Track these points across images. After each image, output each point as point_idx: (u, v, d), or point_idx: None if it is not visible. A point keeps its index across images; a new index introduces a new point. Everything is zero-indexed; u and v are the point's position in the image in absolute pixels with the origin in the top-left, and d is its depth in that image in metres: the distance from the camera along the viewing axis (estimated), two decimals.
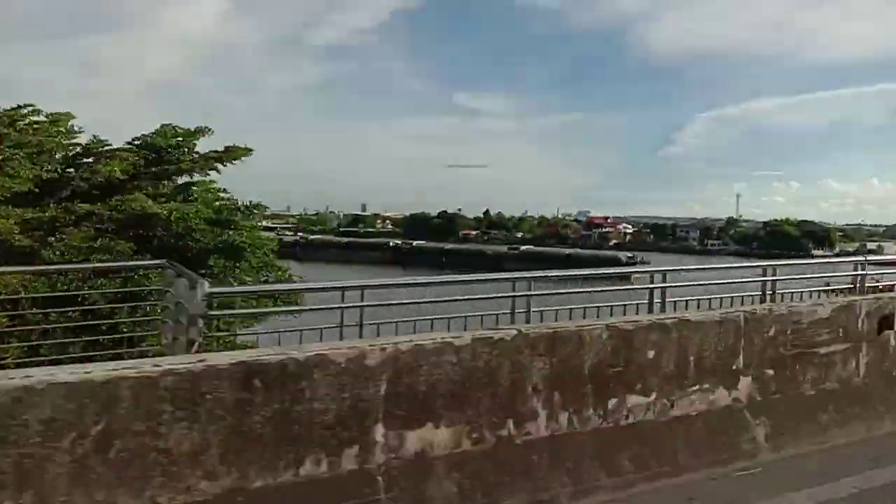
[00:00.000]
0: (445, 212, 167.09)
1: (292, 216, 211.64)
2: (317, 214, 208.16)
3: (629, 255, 77.96)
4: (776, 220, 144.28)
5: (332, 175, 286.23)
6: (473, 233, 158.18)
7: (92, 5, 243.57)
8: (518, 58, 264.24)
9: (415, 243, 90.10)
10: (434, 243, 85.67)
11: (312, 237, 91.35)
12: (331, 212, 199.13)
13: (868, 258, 11.00)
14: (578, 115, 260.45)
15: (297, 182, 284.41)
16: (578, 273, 9.09)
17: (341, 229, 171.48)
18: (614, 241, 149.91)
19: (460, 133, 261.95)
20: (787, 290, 9.12)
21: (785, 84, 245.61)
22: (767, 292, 8.70)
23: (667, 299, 7.71)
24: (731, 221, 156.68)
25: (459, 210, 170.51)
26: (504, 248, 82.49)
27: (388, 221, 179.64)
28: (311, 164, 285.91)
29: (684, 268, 10.71)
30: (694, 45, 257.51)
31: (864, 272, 10.10)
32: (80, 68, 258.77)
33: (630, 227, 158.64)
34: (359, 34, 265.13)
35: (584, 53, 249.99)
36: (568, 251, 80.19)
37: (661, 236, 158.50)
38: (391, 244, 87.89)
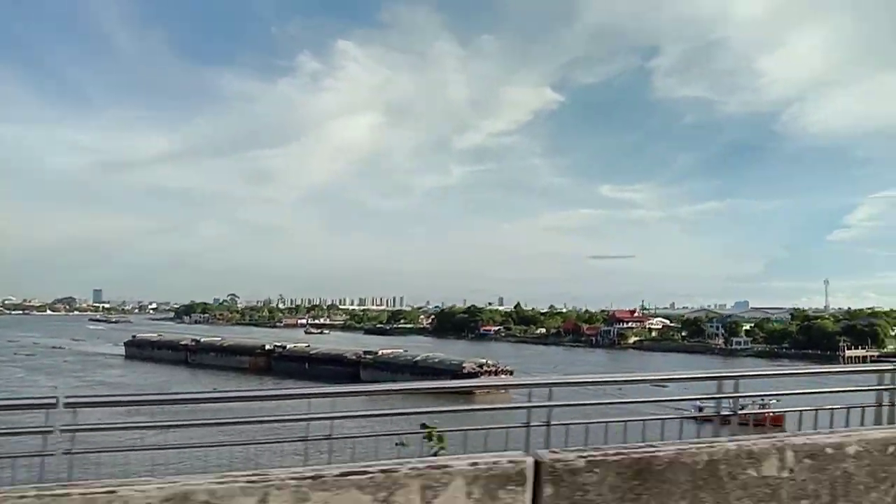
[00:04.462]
0: (474, 306, 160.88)
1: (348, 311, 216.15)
2: (364, 311, 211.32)
3: (491, 363, 67.71)
4: (813, 313, 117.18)
5: (474, 269, 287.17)
6: (493, 329, 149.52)
7: (264, 123, 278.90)
8: (664, 148, 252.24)
9: (288, 346, 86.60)
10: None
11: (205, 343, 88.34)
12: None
13: None
14: (731, 201, 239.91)
15: (441, 277, 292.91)
16: None
17: (377, 326, 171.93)
18: (634, 339, 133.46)
19: (606, 224, 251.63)
20: None
21: None
22: None
23: None
24: (797, 314, 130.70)
25: (490, 304, 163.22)
26: (361, 353, 76.40)
27: (432, 317, 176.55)
28: (455, 260, 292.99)
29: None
30: (858, 125, 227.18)
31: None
32: (251, 177, 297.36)
33: (661, 322, 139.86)
34: (503, 136, 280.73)
35: (735, 139, 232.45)
36: (417, 358, 72.23)
37: (699, 333, 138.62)
38: (266, 348, 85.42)
